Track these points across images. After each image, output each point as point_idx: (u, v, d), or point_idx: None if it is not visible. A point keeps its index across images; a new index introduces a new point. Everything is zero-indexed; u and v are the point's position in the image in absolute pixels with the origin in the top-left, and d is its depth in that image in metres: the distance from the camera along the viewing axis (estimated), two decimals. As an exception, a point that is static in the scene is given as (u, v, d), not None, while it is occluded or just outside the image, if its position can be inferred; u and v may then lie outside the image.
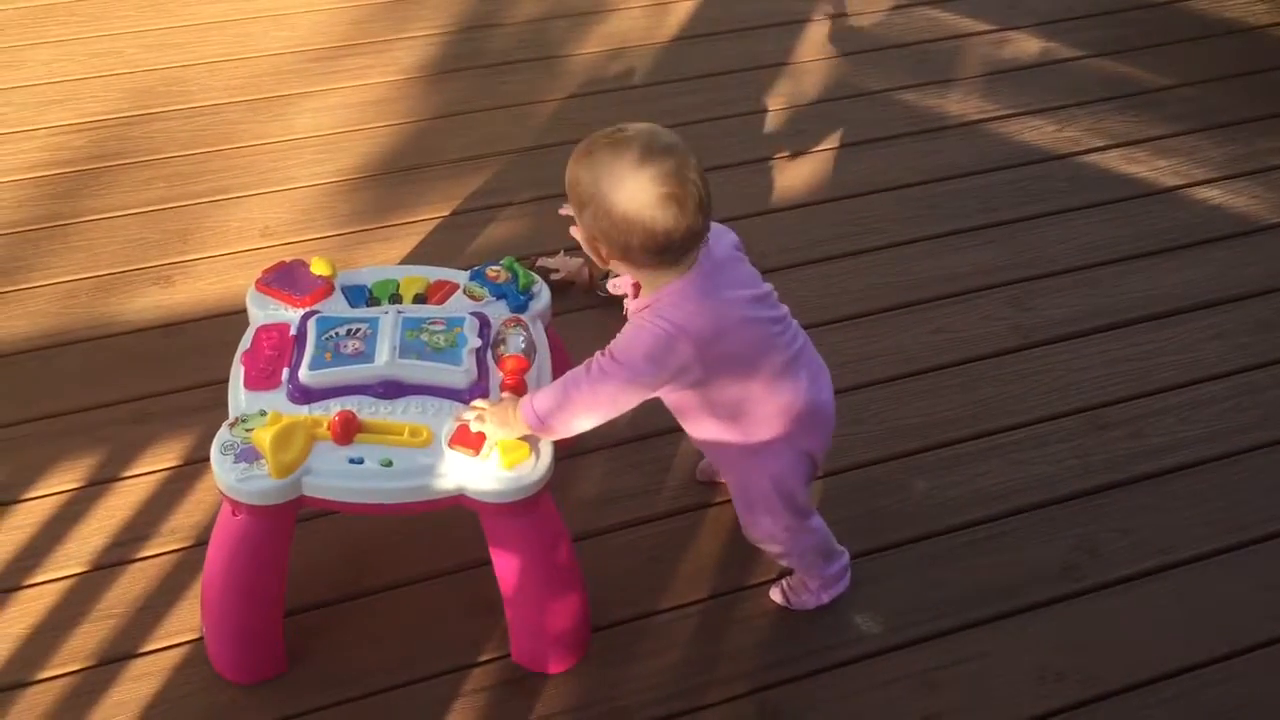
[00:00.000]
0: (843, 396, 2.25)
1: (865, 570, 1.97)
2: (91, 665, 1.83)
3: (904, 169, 2.90)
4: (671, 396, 1.71)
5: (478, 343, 1.79)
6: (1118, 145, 2.97)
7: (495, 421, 1.67)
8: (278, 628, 1.80)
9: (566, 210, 1.66)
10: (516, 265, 1.97)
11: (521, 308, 1.91)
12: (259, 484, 1.63)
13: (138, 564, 1.97)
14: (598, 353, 1.63)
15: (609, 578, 1.96)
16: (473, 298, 1.92)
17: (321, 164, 2.86)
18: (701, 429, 1.75)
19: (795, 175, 2.87)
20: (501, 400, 1.71)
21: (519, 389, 1.75)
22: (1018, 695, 1.81)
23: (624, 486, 2.11)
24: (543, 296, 1.94)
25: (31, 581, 1.94)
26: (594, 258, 1.64)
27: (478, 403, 1.71)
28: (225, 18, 3.35)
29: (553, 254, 2.49)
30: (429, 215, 2.71)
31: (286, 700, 1.79)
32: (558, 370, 1.89)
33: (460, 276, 1.96)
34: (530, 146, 2.92)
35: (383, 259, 2.57)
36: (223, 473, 1.64)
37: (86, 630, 1.87)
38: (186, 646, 1.85)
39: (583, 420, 1.64)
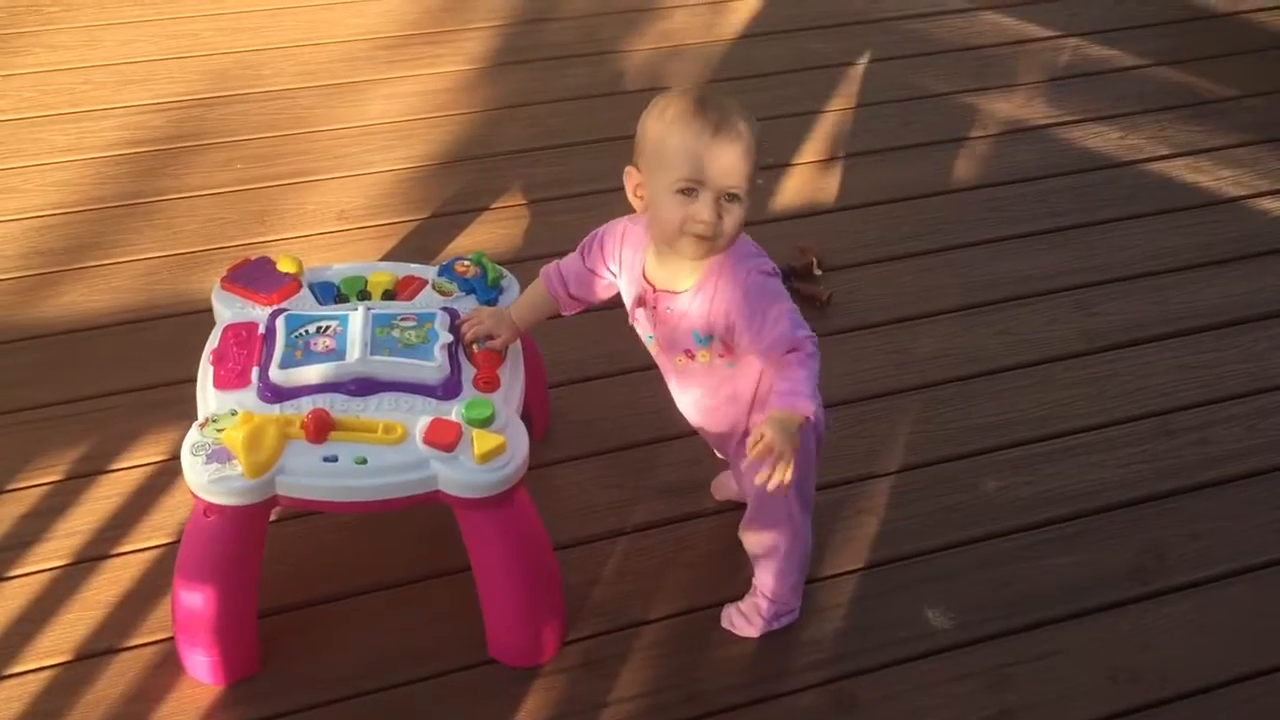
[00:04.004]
0: (910, 395, 2.31)
1: (935, 567, 2.00)
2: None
3: (967, 172, 2.92)
4: (724, 388, 1.71)
5: (449, 338, 1.79)
6: (1181, 154, 2.99)
7: (783, 435, 1.53)
8: (251, 629, 1.79)
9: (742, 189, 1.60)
10: (485, 259, 1.97)
11: (491, 302, 1.91)
12: (232, 484, 1.61)
13: (225, 537, 2.00)
14: (791, 334, 1.59)
15: (684, 566, 1.99)
16: (442, 293, 1.92)
17: (394, 149, 2.90)
18: (732, 412, 1.74)
19: (858, 176, 2.89)
20: (772, 418, 1.55)
21: (492, 384, 1.76)
22: (1092, 693, 1.83)
23: (693, 477, 2.12)
24: (512, 290, 1.94)
25: (119, 551, 1.98)
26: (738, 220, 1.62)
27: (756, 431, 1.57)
28: (298, 3, 3.41)
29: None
30: (499, 204, 2.76)
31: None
32: (529, 362, 1.89)
33: (428, 272, 1.96)
34: (590, 140, 2.95)
35: (461, 246, 2.61)
36: (194, 474, 1.62)
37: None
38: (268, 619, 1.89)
39: None
